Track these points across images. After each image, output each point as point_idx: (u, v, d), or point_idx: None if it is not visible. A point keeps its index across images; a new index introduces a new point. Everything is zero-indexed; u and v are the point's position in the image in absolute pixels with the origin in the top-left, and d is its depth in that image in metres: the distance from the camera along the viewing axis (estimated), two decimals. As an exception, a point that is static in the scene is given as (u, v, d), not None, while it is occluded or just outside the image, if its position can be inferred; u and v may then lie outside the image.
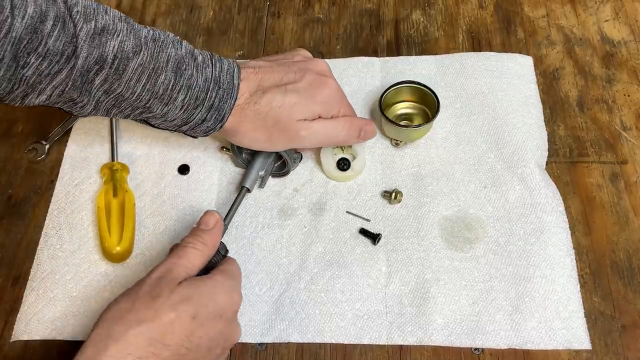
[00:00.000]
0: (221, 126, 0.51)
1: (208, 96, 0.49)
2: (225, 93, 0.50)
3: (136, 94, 0.47)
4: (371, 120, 0.57)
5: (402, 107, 0.61)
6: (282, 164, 0.59)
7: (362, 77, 0.66)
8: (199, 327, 0.41)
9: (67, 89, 0.45)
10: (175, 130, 0.53)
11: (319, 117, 0.53)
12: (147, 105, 0.48)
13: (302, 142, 0.53)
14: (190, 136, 0.54)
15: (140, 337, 0.39)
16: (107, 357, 0.38)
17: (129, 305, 0.41)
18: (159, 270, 0.43)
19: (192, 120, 0.50)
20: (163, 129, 0.53)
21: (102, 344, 0.38)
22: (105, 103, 0.48)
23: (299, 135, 0.52)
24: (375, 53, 0.69)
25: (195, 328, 0.41)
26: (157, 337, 0.39)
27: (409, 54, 0.68)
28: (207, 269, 0.47)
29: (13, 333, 0.53)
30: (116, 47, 0.45)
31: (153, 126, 0.53)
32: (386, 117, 0.57)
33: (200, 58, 0.50)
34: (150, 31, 0.48)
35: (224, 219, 0.53)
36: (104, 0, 0.77)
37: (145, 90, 0.47)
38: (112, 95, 0.47)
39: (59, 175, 0.61)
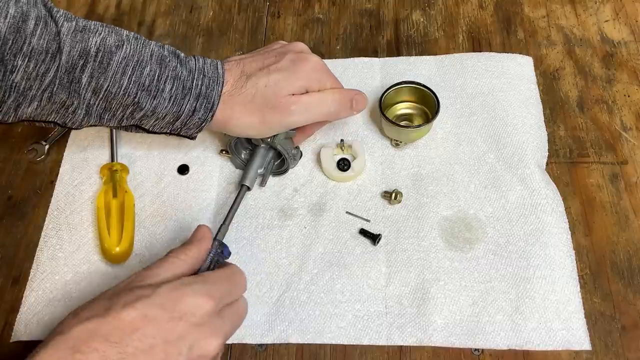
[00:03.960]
0: (212, 115, 0.51)
1: (194, 84, 0.50)
2: (211, 81, 0.51)
3: (123, 88, 0.48)
4: (360, 91, 0.56)
5: (402, 108, 0.61)
6: (281, 162, 0.59)
7: (362, 77, 0.66)
8: (151, 326, 0.39)
9: (55, 90, 0.46)
10: (170, 133, 0.53)
11: (307, 92, 0.53)
12: (136, 100, 0.49)
13: (293, 116, 0.52)
14: (187, 137, 0.54)
15: (85, 332, 0.38)
16: (48, 348, 0.37)
17: (89, 304, 0.41)
18: (130, 277, 0.43)
19: (183, 113, 0.51)
20: (158, 132, 0.53)
21: (49, 339, 0.38)
22: (97, 107, 0.49)
23: (290, 110, 0.52)
24: (375, 53, 0.69)
25: (145, 327, 0.39)
26: (103, 333, 0.38)
27: (409, 54, 0.68)
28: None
29: (13, 333, 0.53)
30: (98, 42, 0.46)
31: (148, 131, 0.53)
32: (386, 118, 0.57)
33: (182, 55, 0.52)
34: (132, 32, 0.50)
35: (225, 219, 0.52)
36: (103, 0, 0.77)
37: (132, 83, 0.48)
38: (101, 95, 0.48)
39: (59, 176, 0.61)
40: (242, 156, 0.59)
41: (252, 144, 0.58)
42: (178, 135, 0.54)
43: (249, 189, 0.56)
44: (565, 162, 0.59)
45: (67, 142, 0.64)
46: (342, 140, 0.59)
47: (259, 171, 0.57)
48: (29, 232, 0.59)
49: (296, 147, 0.58)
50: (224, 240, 0.52)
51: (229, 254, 0.50)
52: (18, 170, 0.63)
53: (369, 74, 0.66)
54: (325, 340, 0.51)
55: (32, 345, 0.52)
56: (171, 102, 0.50)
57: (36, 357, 0.37)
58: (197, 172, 0.61)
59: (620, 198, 0.57)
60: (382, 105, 0.58)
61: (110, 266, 0.56)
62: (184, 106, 0.50)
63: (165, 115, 0.51)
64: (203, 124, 0.52)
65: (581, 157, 0.60)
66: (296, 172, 0.60)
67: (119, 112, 0.50)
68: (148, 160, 0.62)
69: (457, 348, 0.50)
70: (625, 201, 0.57)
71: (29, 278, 0.55)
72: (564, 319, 0.50)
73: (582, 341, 0.49)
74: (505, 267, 0.53)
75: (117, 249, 0.55)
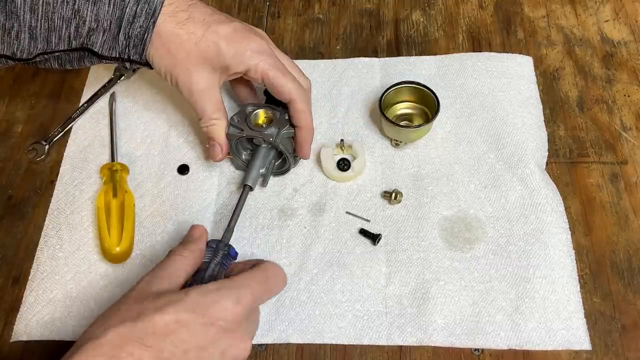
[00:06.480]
0: (154, 22, 0.49)
1: None
2: None
3: None
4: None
5: (402, 108, 0.61)
6: (282, 162, 0.59)
7: (362, 77, 0.66)
8: (184, 331, 0.39)
9: None
10: (120, 57, 0.51)
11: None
12: (76, 7, 0.48)
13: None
14: (140, 64, 0.52)
15: (118, 336, 0.37)
16: (81, 354, 0.37)
17: (116, 308, 0.41)
18: (146, 278, 0.43)
19: (125, 18, 0.49)
20: (108, 57, 0.51)
21: (80, 344, 0.38)
22: (40, 28, 0.48)
23: None
24: (375, 53, 0.69)
25: (179, 331, 0.39)
26: (137, 337, 0.38)
27: (409, 54, 0.68)
28: (216, 274, 0.47)
29: (13, 333, 0.53)
30: None
31: (99, 56, 0.51)
32: (386, 118, 0.57)
33: None
34: None
35: (230, 221, 0.52)
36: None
37: None
38: (39, 11, 0.47)
39: (59, 176, 0.61)
40: (243, 157, 0.59)
41: (253, 144, 0.58)
42: (129, 61, 0.52)
43: (251, 189, 0.56)
44: (565, 162, 0.59)
45: (67, 142, 0.64)
46: (342, 140, 0.59)
47: (260, 171, 0.57)
48: (29, 232, 0.59)
49: None
50: (230, 243, 0.51)
51: (236, 254, 0.50)
52: (18, 170, 0.63)
53: (369, 74, 0.66)
54: (325, 340, 0.51)
55: (32, 346, 0.53)
56: (112, 5, 0.48)
57: None
58: (197, 172, 0.61)
59: (620, 198, 0.57)
60: (382, 105, 0.58)
61: (110, 266, 0.56)
62: (125, 8, 0.49)
63: (110, 25, 0.49)
64: (146, 36, 0.50)
65: (581, 157, 0.60)
66: (296, 172, 0.60)
67: (64, 30, 0.48)
68: (148, 160, 0.62)
69: (457, 348, 0.50)
70: (625, 201, 0.57)
71: (29, 278, 0.55)
72: (564, 318, 0.50)
73: (582, 341, 0.49)
74: (505, 267, 0.53)
75: (117, 249, 0.55)
